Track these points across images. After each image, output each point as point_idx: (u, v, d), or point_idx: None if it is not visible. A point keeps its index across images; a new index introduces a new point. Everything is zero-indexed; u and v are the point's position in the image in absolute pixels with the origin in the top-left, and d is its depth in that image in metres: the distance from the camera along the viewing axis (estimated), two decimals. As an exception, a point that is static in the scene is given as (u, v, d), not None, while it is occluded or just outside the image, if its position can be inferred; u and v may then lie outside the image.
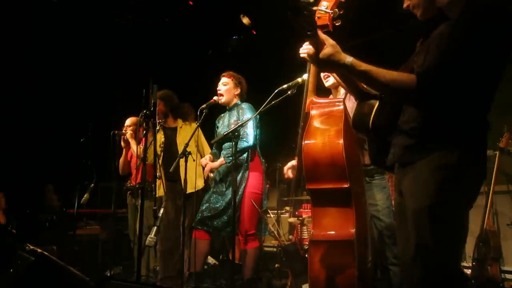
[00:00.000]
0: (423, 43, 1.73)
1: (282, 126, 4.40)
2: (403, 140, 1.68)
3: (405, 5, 1.79)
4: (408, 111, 1.69)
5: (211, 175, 3.69)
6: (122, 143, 4.59)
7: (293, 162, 2.82)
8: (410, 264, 1.63)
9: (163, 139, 4.27)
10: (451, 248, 1.57)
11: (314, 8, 1.70)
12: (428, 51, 1.59)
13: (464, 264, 4.04)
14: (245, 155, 3.62)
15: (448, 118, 1.57)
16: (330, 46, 1.63)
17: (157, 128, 4.21)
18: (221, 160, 3.67)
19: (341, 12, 1.78)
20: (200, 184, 4.01)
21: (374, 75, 1.59)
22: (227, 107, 3.86)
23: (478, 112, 1.59)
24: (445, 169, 1.54)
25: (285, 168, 2.91)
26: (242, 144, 3.56)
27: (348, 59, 1.61)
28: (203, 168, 3.79)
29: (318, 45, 1.63)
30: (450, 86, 1.52)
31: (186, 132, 4.16)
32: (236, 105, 3.81)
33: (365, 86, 1.86)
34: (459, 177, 1.54)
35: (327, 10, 1.74)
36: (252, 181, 3.62)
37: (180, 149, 3.89)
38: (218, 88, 3.80)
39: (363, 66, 1.60)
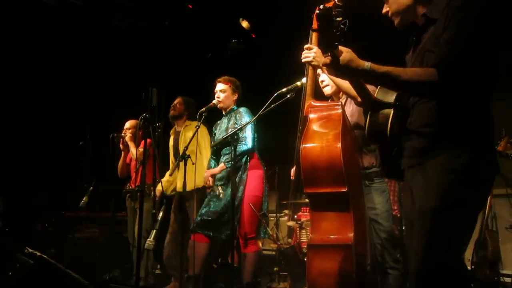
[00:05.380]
0: (415, 48, 1.74)
1: (281, 129, 4.40)
2: (412, 141, 1.68)
3: (384, 10, 1.80)
4: (416, 112, 1.69)
5: (219, 189, 3.67)
6: (121, 146, 4.60)
7: None
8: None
9: (172, 143, 4.37)
10: (453, 248, 1.57)
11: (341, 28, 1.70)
12: (429, 49, 1.60)
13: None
14: (243, 158, 3.63)
15: (456, 113, 1.58)
16: (346, 52, 1.63)
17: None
18: (221, 165, 3.68)
19: (341, 16, 1.78)
20: (200, 183, 4.02)
21: (395, 76, 1.58)
22: (224, 113, 3.89)
23: (484, 107, 1.60)
24: (453, 171, 1.54)
25: (292, 170, 2.88)
26: (241, 148, 3.57)
27: (367, 64, 1.61)
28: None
29: (336, 54, 1.63)
30: (466, 72, 1.53)
31: (190, 131, 4.20)
32: (232, 110, 3.83)
33: (376, 95, 1.85)
34: (468, 178, 1.54)
35: None
36: (252, 183, 3.63)
37: (181, 150, 3.93)
38: (216, 96, 3.82)
39: (383, 68, 1.60)
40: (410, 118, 1.71)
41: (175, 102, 4.37)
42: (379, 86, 1.85)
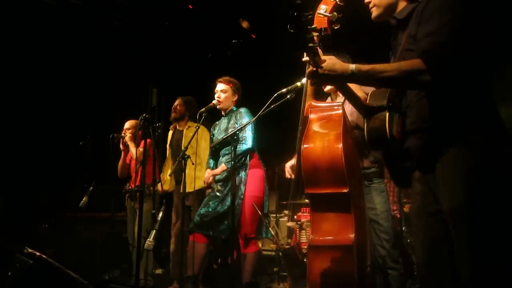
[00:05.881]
0: (395, 54, 1.75)
1: (281, 130, 4.40)
2: (415, 141, 1.66)
3: (366, 0, 1.79)
4: (412, 112, 1.68)
5: (217, 186, 3.68)
6: (121, 146, 4.60)
7: (293, 161, 2.77)
8: (437, 265, 1.60)
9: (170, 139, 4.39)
10: (500, 241, 1.47)
11: (310, 16, 1.71)
12: (408, 48, 1.60)
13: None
14: (243, 158, 3.63)
15: (458, 102, 1.54)
16: (329, 58, 1.63)
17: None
18: (222, 166, 3.68)
19: (340, 16, 1.78)
20: (200, 184, 4.02)
21: (380, 70, 1.57)
22: (223, 113, 3.89)
23: (484, 93, 1.56)
24: (474, 162, 1.49)
25: (287, 165, 2.86)
26: (242, 147, 3.58)
27: (351, 66, 1.61)
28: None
29: (317, 60, 1.63)
30: (452, 61, 1.50)
31: (190, 134, 4.21)
32: (232, 110, 3.83)
33: (368, 102, 1.85)
34: (489, 166, 1.48)
35: (326, 14, 1.75)
36: (253, 183, 3.63)
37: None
38: (217, 96, 3.81)
39: (366, 66, 1.59)
40: (407, 120, 1.70)
41: (175, 104, 4.37)
42: (369, 93, 1.84)
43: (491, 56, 1.61)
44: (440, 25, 1.51)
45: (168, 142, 4.42)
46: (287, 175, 2.85)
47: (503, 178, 1.49)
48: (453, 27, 1.51)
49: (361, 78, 1.66)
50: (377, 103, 1.81)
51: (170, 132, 4.44)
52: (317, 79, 1.70)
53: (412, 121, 1.68)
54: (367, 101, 1.84)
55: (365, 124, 1.82)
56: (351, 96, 1.93)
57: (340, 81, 1.74)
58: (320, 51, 1.66)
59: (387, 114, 1.75)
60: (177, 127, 4.39)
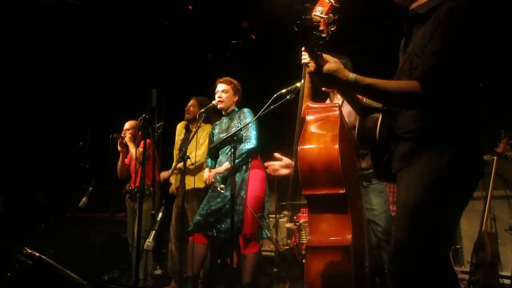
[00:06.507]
0: (406, 48, 1.76)
1: (280, 130, 4.41)
2: (400, 146, 1.71)
3: None
4: (402, 117, 1.72)
5: (219, 185, 3.67)
6: (119, 147, 4.61)
7: (286, 160, 2.66)
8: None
9: (181, 137, 4.43)
10: (430, 248, 1.58)
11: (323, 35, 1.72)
12: (417, 54, 1.62)
13: (462, 269, 4.03)
14: (246, 158, 3.63)
15: (443, 119, 1.60)
16: (333, 62, 1.66)
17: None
18: (226, 164, 3.67)
19: (336, 17, 1.78)
20: (200, 184, 4.02)
21: (379, 88, 1.62)
22: (224, 113, 3.89)
23: (469, 111, 1.63)
24: (434, 171, 1.57)
25: (276, 154, 2.77)
26: (246, 146, 3.60)
27: (352, 75, 1.63)
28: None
29: (321, 62, 1.65)
30: (452, 85, 1.55)
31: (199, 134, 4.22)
32: (233, 111, 3.84)
33: (365, 101, 1.88)
34: (448, 179, 1.57)
35: (322, 15, 1.74)
36: (254, 184, 3.63)
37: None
38: (218, 96, 3.82)
39: (367, 80, 1.63)
40: (397, 123, 1.74)
41: (188, 104, 4.39)
42: None
43: (482, 77, 1.65)
44: (449, 44, 1.55)
45: (178, 141, 4.42)
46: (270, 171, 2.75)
47: (452, 195, 1.59)
48: (461, 49, 1.55)
49: (358, 90, 1.72)
50: (374, 103, 1.84)
51: (182, 131, 4.45)
52: (316, 80, 1.76)
53: (399, 126, 1.73)
54: (365, 99, 1.87)
55: (358, 121, 1.88)
56: (349, 95, 1.97)
57: (336, 86, 1.81)
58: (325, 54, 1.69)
59: (381, 116, 1.79)
60: (190, 126, 4.40)
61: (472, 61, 1.58)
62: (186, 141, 4.31)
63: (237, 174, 3.55)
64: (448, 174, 1.56)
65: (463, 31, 1.56)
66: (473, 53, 1.57)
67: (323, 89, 2.98)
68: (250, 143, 3.61)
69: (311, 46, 1.64)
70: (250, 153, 3.66)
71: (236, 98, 3.87)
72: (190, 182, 3.98)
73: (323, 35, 1.70)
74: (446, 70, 1.54)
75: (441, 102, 1.57)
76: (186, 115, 4.38)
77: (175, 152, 4.43)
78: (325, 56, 1.68)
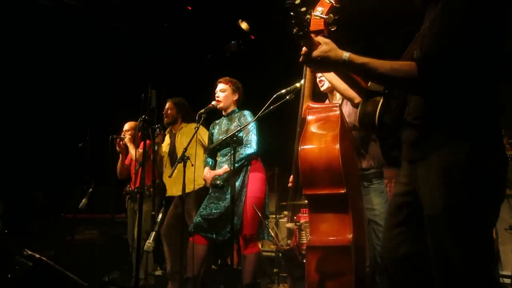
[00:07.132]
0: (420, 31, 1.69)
1: (280, 130, 4.41)
2: (409, 134, 1.61)
3: None
4: (412, 102, 1.63)
5: (219, 183, 3.67)
6: (117, 148, 4.61)
7: None
8: (398, 263, 1.61)
9: (168, 142, 4.39)
10: (478, 257, 1.42)
11: (308, 16, 1.69)
12: (425, 35, 1.54)
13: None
14: (246, 161, 3.63)
15: (453, 105, 1.49)
16: (324, 44, 1.58)
17: (165, 132, 4.36)
18: (225, 167, 3.66)
19: (336, 17, 1.78)
20: (201, 183, 4.02)
21: (373, 67, 1.52)
22: (224, 113, 3.88)
23: (486, 97, 1.50)
24: (455, 167, 1.44)
25: (292, 178, 2.82)
26: (247, 150, 3.57)
27: (345, 54, 1.56)
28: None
29: (312, 45, 1.58)
30: (453, 69, 1.45)
31: (185, 134, 4.20)
32: (234, 112, 3.83)
33: (366, 83, 1.81)
34: (471, 174, 1.43)
35: (322, 16, 1.74)
36: (255, 185, 3.62)
37: (179, 152, 3.93)
38: (216, 95, 3.81)
39: (361, 59, 1.54)
40: (407, 109, 1.64)
41: (165, 108, 4.35)
42: None
43: (499, 61, 1.49)
44: (450, 25, 1.45)
45: (165, 146, 4.41)
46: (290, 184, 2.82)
47: (482, 189, 1.44)
48: (464, 31, 1.44)
49: (353, 69, 1.62)
50: (376, 87, 1.76)
51: (167, 137, 4.45)
52: (309, 64, 1.66)
53: (409, 111, 1.64)
54: (369, 84, 1.79)
55: (360, 105, 1.80)
56: (349, 78, 1.87)
57: (333, 69, 1.71)
58: (317, 37, 1.61)
59: (381, 100, 1.71)
60: (172, 131, 4.40)
61: (482, 43, 1.45)
62: (172, 146, 4.31)
63: (237, 176, 3.54)
64: (471, 168, 1.43)
65: (467, 12, 1.44)
66: (483, 34, 1.44)
67: (322, 90, 2.99)
68: (251, 147, 3.60)
69: (301, 21, 1.56)
70: (251, 157, 3.64)
71: (235, 97, 3.86)
72: (190, 183, 3.97)
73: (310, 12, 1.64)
74: (445, 51, 1.43)
75: (442, 85, 1.47)
76: (165, 119, 4.33)
77: (165, 157, 4.41)
78: (317, 38, 1.61)
